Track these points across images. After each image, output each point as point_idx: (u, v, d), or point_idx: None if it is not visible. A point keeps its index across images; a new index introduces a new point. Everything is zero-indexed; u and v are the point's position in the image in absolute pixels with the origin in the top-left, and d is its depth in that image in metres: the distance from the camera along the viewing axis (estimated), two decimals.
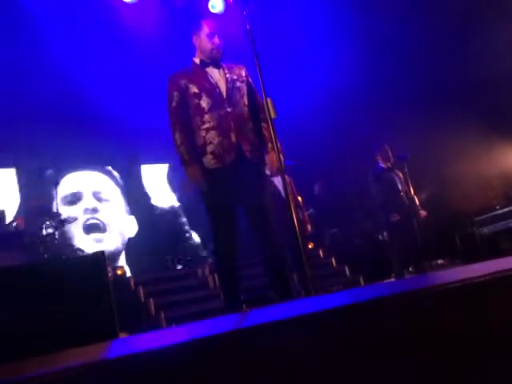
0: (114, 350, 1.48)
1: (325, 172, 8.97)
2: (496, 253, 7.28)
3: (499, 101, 9.13)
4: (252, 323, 1.57)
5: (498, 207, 8.44)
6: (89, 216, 8.20)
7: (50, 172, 7.63)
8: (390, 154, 6.77)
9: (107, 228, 8.33)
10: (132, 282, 6.22)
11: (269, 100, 3.13)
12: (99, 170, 8.68)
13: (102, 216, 8.39)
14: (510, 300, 1.76)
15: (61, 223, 6.54)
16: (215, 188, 3.39)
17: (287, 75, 8.34)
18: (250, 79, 3.64)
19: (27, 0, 7.11)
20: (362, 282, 6.78)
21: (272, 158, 3.42)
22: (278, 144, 3.14)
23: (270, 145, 3.44)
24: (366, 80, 8.77)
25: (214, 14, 8.09)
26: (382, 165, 6.80)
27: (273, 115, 3.12)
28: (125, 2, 7.78)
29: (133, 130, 7.95)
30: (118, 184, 8.81)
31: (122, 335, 2.82)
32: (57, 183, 6.96)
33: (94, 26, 7.56)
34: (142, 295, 6.03)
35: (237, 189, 3.42)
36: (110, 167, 8.77)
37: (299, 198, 6.37)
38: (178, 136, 3.43)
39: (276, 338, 1.47)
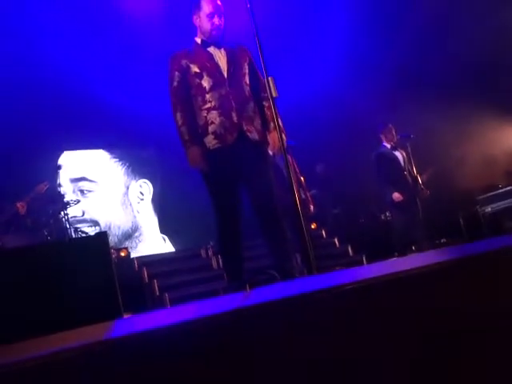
0: (118, 329, 1.49)
1: (328, 152, 8.94)
2: (499, 231, 7.29)
3: (502, 81, 9.06)
4: (255, 302, 1.58)
5: (500, 186, 8.41)
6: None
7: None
8: (394, 133, 6.75)
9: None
10: (136, 264, 6.25)
11: (270, 79, 3.10)
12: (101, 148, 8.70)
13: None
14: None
15: (64, 206, 6.55)
16: (217, 168, 3.38)
17: (289, 54, 8.27)
18: (251, 58, 3.61)
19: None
20: (365, 262, 6.79)
21: (274, 138, 3.40)
22: (280, 123, 3.13)
23: (271, 124, 3.42)
24: (371, 59, 8.69)
25: None
26: (386, 144, 6.78)
27: (274, 94, 3.10)
28: None
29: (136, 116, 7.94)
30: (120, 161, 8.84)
31: (127, 316, 2.84)
32: (59, 166, 6.96)
33: (91, 10, 7.49)
34: (145, 276, 6.06)
35: (239, 169, 3.42)
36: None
37: (302, 178, 6.36)
38: (179, 116, 3.41)
39: (278, 317, 1.48)
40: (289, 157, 3.91)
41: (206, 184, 3.48)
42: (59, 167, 6.94)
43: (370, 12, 8.56)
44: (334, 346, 1.53)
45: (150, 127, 8.08)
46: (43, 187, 6.29)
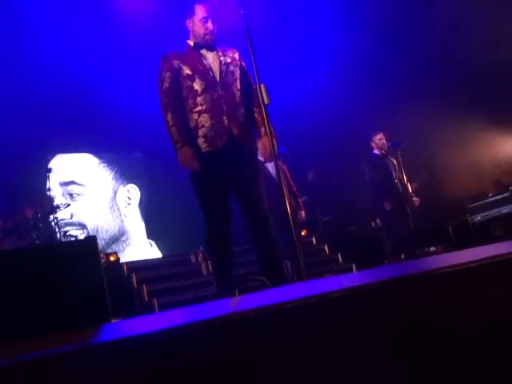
0: (105, 333, 1.48)
1: (319, 159, 8.96)
2: (488, 240, 7.32)
3: (492, 89, 9.13)
4: (244, 308, 1.57)
5: (490, 194, 8.47)
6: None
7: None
8: (385, 141, 6.79)
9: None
10: (125, 268, 6.21)
11: (262, 86, 3.11)
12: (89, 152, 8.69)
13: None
14: (501, 284, 1.77)
15: (53, 209, 6.52)
16: (207, 171, 3.37)
17: (282, 61, 8.30)
18: (243, 63, 3.62)
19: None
20: (355, 269, 6.80)
21: (265, 143, 3.41)
22: (272, 130, 3.13)
23: (262, 130, 3.42)
24: (361, 67, 8.75)
25: None
26: (377, 152, 6.82)
27: (266, 101, 3.10)
28: None
29: (126, 116, 7.91)
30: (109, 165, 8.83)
31: (115, 321, 2.82)
32: (49, 169, 6.92)
33: (86, 13, 7.47)
34: (134, 281, 6.02)
35: (228, 173, 3.41)
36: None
37: (293, 185, 6.37)
38: (169, 117, 3.39)
39: (267, 323, 1.48)
40: (280, 163, 3.92)
41: (195, 187, 3.46)
42: (49, 170, 6.90)
43: (362, 20, 8.61)
44: (324, 353, 1.53)
45: (139, 133, 8.08)
46: (30, 212, 6.33)
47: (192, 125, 3.40)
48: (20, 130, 7.14)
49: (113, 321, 2.20)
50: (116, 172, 8.98)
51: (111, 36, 7.71)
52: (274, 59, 7.44)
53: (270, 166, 5.78)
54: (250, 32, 3.19)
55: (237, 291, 3.37)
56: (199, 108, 3.39)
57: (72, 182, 8.51)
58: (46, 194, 6.50)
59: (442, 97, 8.71)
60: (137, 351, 1.34)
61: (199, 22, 3.52)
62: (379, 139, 6.78)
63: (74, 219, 8.26)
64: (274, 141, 3.10)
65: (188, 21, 3.59)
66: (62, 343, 1.42)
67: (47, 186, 6.66)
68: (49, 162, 8.19)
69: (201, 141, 3.38)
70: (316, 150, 8.88)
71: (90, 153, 8.80)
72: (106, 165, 8.93)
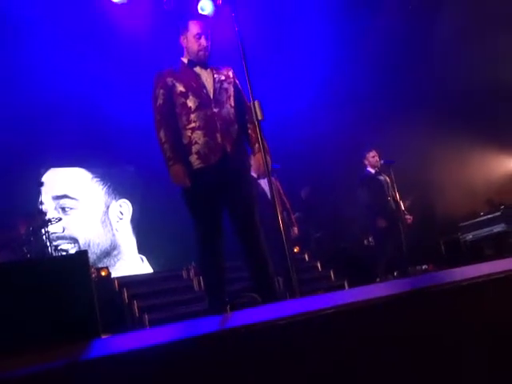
0: (94, 349, 1.46)
1: (312, 176, 8.98)
2: (480, 259, 7.34)
3: (485, 108, 9.22)
4: (235, 325, 1.56)
5: (482, 213, 8.51)
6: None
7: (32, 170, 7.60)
8: (378, 159, 6.82)
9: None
10: (116, 284, 6.17)
11: (256, 102, 3.12)
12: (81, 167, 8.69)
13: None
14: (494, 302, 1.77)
15: (45, 223, 6.48)
16: (199, 188, 3.36)
17: (276, 78, 8.35)
18: (237, 81, 3.63)
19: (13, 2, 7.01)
20: (347, 286, 6.79)
21: (258, 160, 3.41)
22: (266, 146, 3.14)
23: (256, 146, 3.43)
24: (354, 85, 8.81)
25: (203, 15, 8.08)
26: (370, 169, 6.84)
27: (260, 117, 3.11)
28: (114, 3, 7.72)
29: (119, 129, 7.92)
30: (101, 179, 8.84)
31: (105, 336, 2.79)
32: (41, 183, 6.89)
33: (81, 27, 7.50)
34: (125, 297, 5.98)
35: (221, 189, 3.41)
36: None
37: (286, 201, 6.38)
38: (162, 134, 3.39)
39: (258, 340, 1.47)
40: (273, 180, 3.92)
41: (187, 204, 3.45)
42: (41, 184, 6.86)
43: (355, 40, 8.70)
44: (316, 369, 1.52)
45: (131, 148, 8.08)
46: (24, 227, 6.31)
47: (185, 141, 3.40)
48: (13, 144, 7.12)
49: (103, 336, 2.18)
50: (109, 187, 8.98)
51: (105, 50, 7.73)
52: (268, 76, 7.48)
53: (263, 183, 5.79)
54: (245, 49, 3.22)
55: (228, 307, 3.35)
56: (193, 125, 3.39)
57: (65, 196, 8.49)
58: (39, 208, 6.46)
59: (436, 115, 8.78)
60: (126, 367, 1.33)
61: (193, 39, 3.54)
62: (372, 157, 6.82)
63: (66, 233, 8.22)
64: (268, 157, 3.11)
65: (182, 37, 3.60)
66: (51, 359, 1.40)
67: (40, 200, 6.63)
68: (42, 175, 8.16)
69: (194, 157, 3.37)
70: (309, 167, 8.90)
71: (83, 167, 8.79)
72: (98, 179, 8.92)
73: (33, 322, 2.03)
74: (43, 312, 2.05)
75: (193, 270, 6.59)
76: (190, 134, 3.39)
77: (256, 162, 3.47)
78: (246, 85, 3.18)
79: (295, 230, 6.35)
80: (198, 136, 3.38)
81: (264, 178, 4.66)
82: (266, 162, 3.08)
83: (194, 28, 3.55)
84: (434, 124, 8.62)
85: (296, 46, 8.77)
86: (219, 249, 3.43)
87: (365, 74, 8.80)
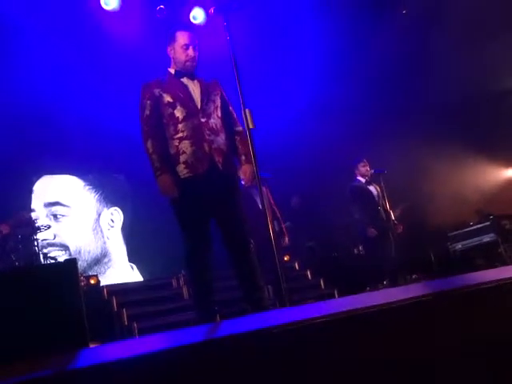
0: (82, 359, 1.45)
1: (303, 185, 9.00)
2: (469, 268, 7.37)
3: (476, 119, 9.31)
4: (224, 334, 1.56)
5: (471, 223, 8.56)
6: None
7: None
8: (368, 168, 6.84)
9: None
10: (105, 292, 6.13)
11: (247, 111, 3.13)
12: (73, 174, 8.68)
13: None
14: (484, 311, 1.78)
15: (34, 231, 6.43)
16: (187, 197, 3.36)
17: (267, 87, 8.38)
18: (223, 92, 3.64)
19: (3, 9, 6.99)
20: (337, 295, 6.79)
21: (245, 171, 3.43)
22: (251, 155, 3.14)
23: (243, 158, 3.47)
24: (345, 95, 8.85)
25: (194, 24, 8.11)
26: (360, 179, 6.86)
27: (251, 126, 3.13)
28: (106, 11, 7.72)
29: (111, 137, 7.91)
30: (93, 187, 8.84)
31: (93, 345, 2.77)
32: (31, 190, 6.87)
33: (73, 36, 7.49)
34: (114, 305, 5.94)
35: (208, 199, 3.40)
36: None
37: (276, 210, 6.38)
38: (149, 144, 3.39)
39: (247, 349, 1.46)
40: (264, 189, 3.92)
41: (176, 213, 3.44)
42: (31, 192, 6.84)
43: (346, 50, 8.75)
44: (305, 378, 1.51)
45: (123, 156, 8.06)
46: (24, 215, 6.23)
47: (173, 151, 3.39)
48: (6, 152, 7.10)
49: (91, 345, 2.16)
50: (100, 195, 8.97)
51: (97, 59, 7.72)
52: (259, 85, 7.50)
53: (254, 192, 5.79)
54: (237, 58, 3.23)
55: (218, 317, 3.34)
56: (180, 135, 3.39)
57: (57, 203, 8.47)
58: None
59: (426, 126, 8.84)
60: (114, 377, 1.32)
61: (180, 49, 3.53)
62: (362, 166, 6.84)
63: (57, 240, 8.19)
64: (253, 167, 3.12)
65: (169, 48, 3.59)
66: (38, 368, 1.39)
67: (31, 207, 6.60)
68: (34, 183, 8.14)
69: (181, 167, 3.37)
70: (300, 176, 8.92)
71: (76, 175, 8.78)
72: (90, 187, 8.92)
73: (20, 330, 2.02)
74: (30, 321, 2.04)
75: (182, 279, 6.57)
76: (177, 144, 3.39)
77: (243, 173, 3.47)
78: (238, 93, 3.19)
79: (285, 239, 6.35)
80: (185, 146, 3.37)
81: (252, 187, 4.66)
82: (254, 172, 3.10)
83: (181, 38, 3.54)
84: (424, 134, 8.68)
85: (288, 55, 8.82)
86: (207, 259, 3.42)
87: (355, 84, 8.85)
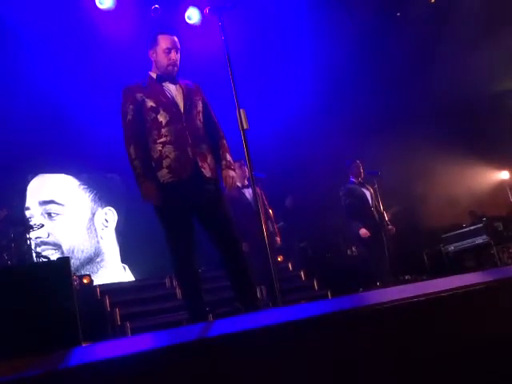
0: (74, 357, 1.45)
1: (296, 186, 9.01)
2: (461, 270, 7.41)
3: (469, 122, 9.35)
4: (217, 333, 1.56)
5: (464, 225, 8.60)
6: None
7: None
8: (362, 170, 6.86)
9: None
10: (98, 291, 6.12)
11: (242, 111, 3.13)
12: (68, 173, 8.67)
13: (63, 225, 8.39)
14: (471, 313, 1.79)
15: (27, 229, 6.41)
16: (170, 202, 3.33)
17: (262, 87, 8.38)
18: (204, 97, 3.61)
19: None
20: (330, 296, 6.80)
21: (226, 175, 3.43)
22: (230, 159, 3.15)
23: (223, 162, 3.47)
24: (339, 96, 8.88)
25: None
26: (354, 180, 6.87)
27: (245, 126, 3.13)
28: (100, 9, 7.70)
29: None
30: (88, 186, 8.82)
31: (86, 344, 2.77)
32: (25, 189, 6.85)
33: (68, 36, 7.47)
34: (107, 305, 5.93)
35: (193, 203, 3.38)
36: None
37: (270, 211, 6.38)
38: (132, 150, 3.37)
39: (240, 349, 1.46)
40: (257, 189, 3.92)
41: (159, 218, 3.42)
42: (25, 190, 6.82)
43: (341, 50, 8.76)
44: (297, 380, 1.52)
45: (117, 156, 8.04)
46: (1, 214, 6.19)
47: (156, 156, 3.37)
48: (1, 151, 7.08)
49: (83, 344, 2.16)
50: (95, 194, 8.97)
51: (91, 59, 7.70)
52: (253, 85, 7.50)
53: (248, 192, 5.80)
54: (231, 58, 3.23)
55: (210, 316, 3.35)
56: (163, 139, 3.36)
57: (52, 202, 8.46)
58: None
59: (419, 128, 8.87)
60: (107, 376, 1.32)
61: (162, 53, 3.49)
62: (356, 167, 6.85)
63: (51, 239, 8.18)
64: (245, 168, 3.13)
65: (151, 51, 3.55)
66: (30, 367, 1.39)
67: (25, 206, 6.58)
68: (29, 182, 8.12)
69: (164, 171, 3.35)
70: (293, 177, 8.93)
71: (71, 174, 8.77)
72: (85, 187, 8.91)
73: (12, 329, 2.01)
74: (22, 320, 2.03)
75: (175, 279, 6.56)
76: (160, 148, 3.36)
77: (223, 178, 3.47)
78: (232, 93, 3.19)
79: (278, 239, 6.36)
80: (168, 150, 3.35)
81: (248, 189, 4.66)
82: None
83: (163, 42, 3.50)
84: (417, 136, 8.71)
85: (282, 55, 8.82)
86: (192, 260, 3.40)
87: (351, 85, 8.87)
